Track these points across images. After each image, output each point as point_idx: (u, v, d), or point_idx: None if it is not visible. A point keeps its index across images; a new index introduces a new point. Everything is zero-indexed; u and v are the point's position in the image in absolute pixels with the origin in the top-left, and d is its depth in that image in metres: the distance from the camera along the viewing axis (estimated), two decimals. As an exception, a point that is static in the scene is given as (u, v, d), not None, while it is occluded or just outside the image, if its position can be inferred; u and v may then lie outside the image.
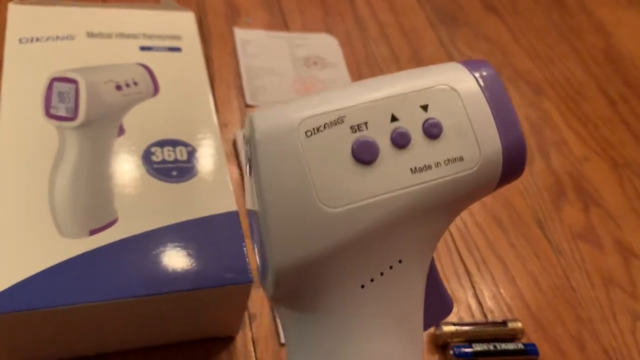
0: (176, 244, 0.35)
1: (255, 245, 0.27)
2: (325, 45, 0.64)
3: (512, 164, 0.25)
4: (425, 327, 0.27)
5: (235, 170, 0.50)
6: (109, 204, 0.36)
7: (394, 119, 0.24)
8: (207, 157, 0.39)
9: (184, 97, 0.42)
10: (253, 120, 0.23)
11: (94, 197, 0.36)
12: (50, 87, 0.39)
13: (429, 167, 0.24)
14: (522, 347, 0.43)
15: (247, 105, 0.55)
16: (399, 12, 0.71)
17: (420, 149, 0.24)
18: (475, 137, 0.24)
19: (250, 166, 0.25)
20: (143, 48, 0.44)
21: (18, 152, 0.36)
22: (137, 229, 0.35)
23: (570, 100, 0.66)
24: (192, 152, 0.39)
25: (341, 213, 0.23)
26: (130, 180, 0.37)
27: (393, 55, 0.65)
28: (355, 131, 0.23)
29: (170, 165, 0.38)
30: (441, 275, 0.48)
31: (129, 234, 0.34)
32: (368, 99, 0.24)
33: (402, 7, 0.72)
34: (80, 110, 0.38)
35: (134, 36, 0.45)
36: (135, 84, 0.41)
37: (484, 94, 0.25)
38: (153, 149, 0.39)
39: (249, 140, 0.23)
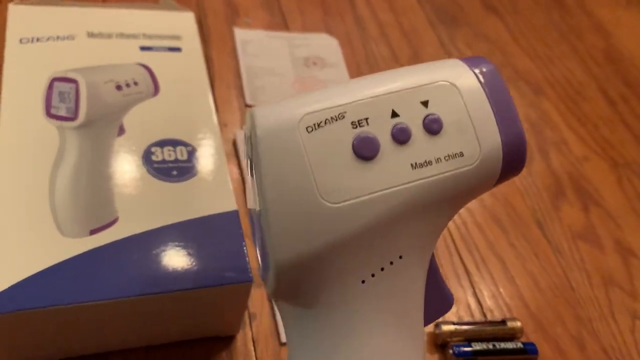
0: (176, 243, 0.35)
1: (256, 243, 0.27)
2: (325, 45, 0.64)
3: (512, 159, 0.25)
4: (426, 323, 0.27)
5: (235, 170, 0.50)
6: (109, 204, 0.36)
7: (394, 114, 0.24)
8: (207, 157, 0.39)
9: (184, 97, 0.42)
10: (254, 116, 0.23)
11: (94, 197, 0.36)
12: (50, 87, 0.39)
13: (430, 162, 0.24)
14: (522, 346, 0.43)
15: (247, 105, 0.56)
16: (398, 12, 0.72)
17: (421, 144, 0.24)
18: (475, 133, 0.24)
19: (251, 165, 0.25)
20: (143, 48, 0.44)
21: (19, 152, 0.36)
22: (138, 228, 0.35)
23: (570, 100, 0.66)
24: (192, 152, 0.39)
25: (342, 208, 0.23)
26: (131, 180, 0.37)
27: (393, 55, 0.65)
28: (356, 127, 0.23)
29: (170, 165, 0.38)
30: (441, 274, 0.48)
31: (129, 234, 0.35)
32: (369, 95, 0.24)
33: (402, 7, 0.72)
34: (81, 110, 0.38)
35: (134, 36, 0.45)
36: (136, 84, 0.41)
37: (484, 90, 0.25)
38: (153, 149, 0.39)
39: (250, 136, 0.24)
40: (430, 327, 0.43)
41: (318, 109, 0.23)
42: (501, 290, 0.47)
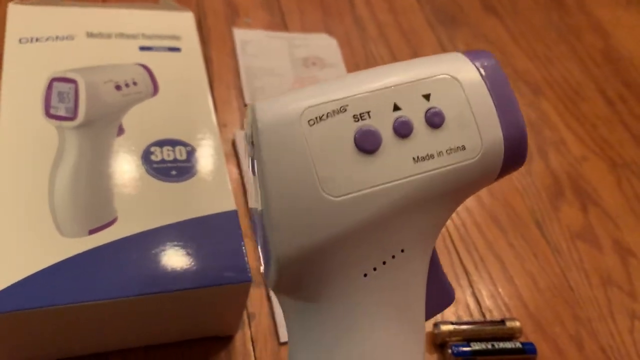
0: (175, 243, 0.35)
1: (258, 241, 0.27)
2: (324, 45, 0.64)
3: (514, 153, 0.25)
4: (428, 317, 0.27)
5: (234, 170, 0.50)
6: (108, 204, 0.36)
7: (396, 108, 0.24)
8: (206, 157, 0.39)
9: (184, 97, 0.43)
10: (255, 110, 0.23)
11: (93, 197, 0.36)
12: (50, 87, 0.39)
13: (431, 156, 0.24)
14: (520, 346, 0.43)
15: (247, 105, 0.56)
16: (398, 13, 0.72)
17: (423, 138, 0.24)
18: (477, 127, 0.24)
19: (253, 161, 0.25)
20: (142, 48, 0.44)
21: (18, 152, 0.36)
22: (137, 228, 0.35)
23: (568, 101, 0.66)
24: (191, 152, 0.39)
25: (344, 202, 0.23)
26: (130, 180, 0.37)
27: (392, 55, 0.66)
28: (358, 120, 0.23)
29: (169, 164, 0.38)
30: (440, 274, 0.48)
31: (129, 234, 0.35)
32: (370, 89, 0.24)
33: (401, 7, 0.72)
34: (80, 110, 0.38)
35: (133, 36, 0.45)
36: (135, 84, 0.41)
37: (486, 84, 0.25)
38: (152, 149, 0.39)
39: (251, 131, 0.23)
40: (429, 327, 0.44)
41: (319, 102, 0.23)
42: (500, 290, 0.48)
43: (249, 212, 0.28)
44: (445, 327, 0.42)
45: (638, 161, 0.61)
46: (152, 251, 0.34)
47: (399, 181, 0.23)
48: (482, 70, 0.25)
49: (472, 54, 0.26)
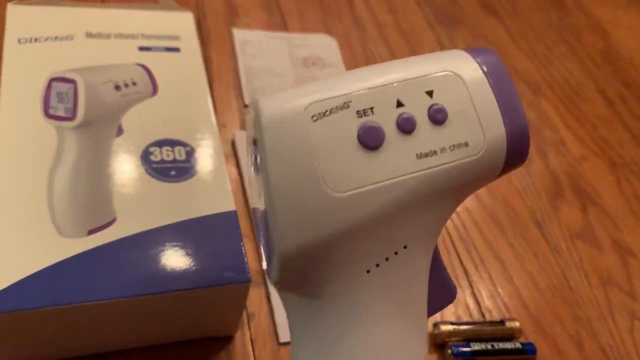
0: (175, 243, 0.35)
1: (260, 239, 0.27)
2: (324, 45, 0.64)
3: (516, 150, 0.25)
4: (430, 314, 0.27)
5: (234, 170, 0.50)
6: (107, 204, 0.36)
7: (399, 104, 0.24)
8: (205, 157, 0.39)
9: (183, 97, 0.43)
10: (259, 105, 0.23)
11: (92, 197, 0.36)
12: (49, 87, 0.39)
13: (435, 152, 0.24)
14: (520, 346, 0.43)
15: (246, 106, 0.56)
16: (397, 13, 0.72)
17: (426, 134, 0.24)
18: (479, 123, 0.24)
19: (255, 158, 0.25)
20: (142, 48, 0.44)
21: (17, 152, 0.36)
22: (136, 228, 0.35)
23: (568, 101, 0.66)
24: (190, 152, 0.39)
25: (347, 198, 0.23)
26: (129, 180, 0.37)
27: (392, 55, 0.66)
28: (361, 116, 0.23)
29: (169, 165, 0.38)
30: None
31: (128, 234, 0.35)
32: (373, 85, 0.24)
33: (401, 7, 0.72)
34: (79, 110, 0.38)
35: (132, 36, 0.45)
36: (134, 84, 0.41)
37: (488, 81, 0.25)
38: (152, 149, 0.39)
39: (254, 127, 0.23)
40: (428, 327, 0.44)
41: (323, 98, 0.23)
42: (500, 290, 0.47)
43: (252, 212, 0.28)
44: (444, 328, 0.42)
45: (638, 161, 0.61)
46: (151, 251, 0.34)
47: (402, 177, 0.23)
48: (484, 67, 0.25)
49: (475, 51, 0.26)
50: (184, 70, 0.44)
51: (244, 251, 0.36)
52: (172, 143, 0.40)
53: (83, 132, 0.38)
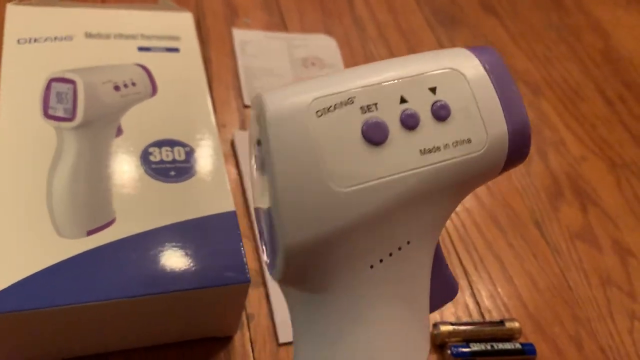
0: (174, 243, 0.35)
1: (262, 236, 0.27)
2: (323, 46, 0.64)
3: (518, 147, 0.25)
4: (432, 310, 0.27)
5: (233, 171, 0.50)
6: (107, 204, 0.36)
7: (403, 100, 0.24)
8: (205, 158, 0.39)
9: (182, 97, 0.43)
10: (263, 100, 0.23)
11: (91, 198, 0.36)
12: (48, 87, 0.39)
13: (438, 148, 0.24)
14: (520, 346, 0.43)
15: (246, 106, 0.56)
16: (397, 13, 0.72)
17: (429, 130, 0.24)
18: (482, 120, 0.25)
19: (257, 162, 0.25)
20: (141, 49, 0.44)
21: (16, 153, 0.36)
22: (135, 228, 0.35)
23: (568, 101, 0.66)
24: (190, 153, 0.39)
25: (351, 193, 0.23)
26: (129, 181, 0.37)
27: (391, 56, 0.66)
28: (365, 112, 0.23)
29: (168, 165, 0.38)
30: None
31: (127, 234, 0.35)
32: (377, 81, 0.24)
33: (400, 7, 0.72)
34: (79, 110, 0.38)
35: (132, 37, 0.45)
36: (134, 84, 0.41)
37: (490, 78, 0.25)
38: (151, 149, 0.39)
39: (257, 123, 0.23)
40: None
41: (327, 94, 0.23)
42: (499, 290, 0.47)
43: (254, 212, 0.28)
44: (444, 328, 0.42)
45: (637, 161, 0.61)
46: (151, 252, 0.34)
47: (406, 173, 0.23)
48: (486, 65, 0.25)
49: (476, 49, 0.26)
50: (183, 71, 0.44)
51: (243, 251, 0.36)
52: (172, 143, 0.40)
53: (82, 132, 0.38)
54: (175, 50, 0.45)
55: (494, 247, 0.50)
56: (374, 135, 0.23)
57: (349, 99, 0.23)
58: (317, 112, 0.23)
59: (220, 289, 0.34)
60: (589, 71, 0.71)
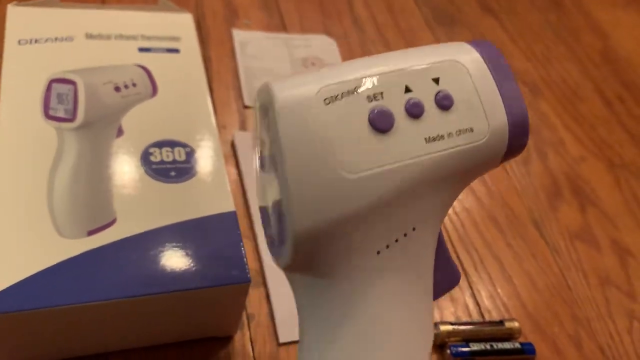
0: (174, 244, 0.35)
1: (267, 231, 0.27)
2: (323, 46, 0.64)
3: (517, 137, 0.26)
4: (435, 297, 0.28)
5: (234, 171, 0.50)
6: (107, 205, 0.36)
7: (407, 90, 0.24)
8: (205, 158, 0.40)
9: (183, 98, 0.43)
10: (272, 88, 0.23)
11: (92, 198, 0.36)
12: (49, 88, 0.39)
13: (442, 137, 0.24)
14: (519, 346, 0.43)
15: (246, 107, 0.56)
16: (396, 13, 0.72)
17: (434, 119, 0.24)
18: (483, 110, 0.25)
19: (261, 157, 0.26)
20: (141, 49, 0.45)
21: (17, 153, 0.36)
22: (136, 229, 0.35)
23: (567, 101, 0.66)
24: (190, 153, 0.40)
25: (359, 179, 0.23)
26: (129, 181, 0.37)
27: (391, 56, 0.66)
28: (372, 100, 0.24)
29: (168, 165, 0.38)
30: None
31: (128, 234, 0.35)
32: (382, 71, 0.24)
33: (400, 8, 0.73)
34: (79, 111, 0.38)
35: (132, 37, 0.45)
36: (134, 85, 0.41)
37: (490, 70, 0.26)
38: (151, 150, 0.39)
39: (266, 109, 0.24)
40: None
41: (334, 82, 0.24)
42: (499, 290, 0.48)
43: (260, 210, 0.28)
44: (444, 328, 0.43)
45: (636, 161, 0.61)
46: (151, 252, 0.34)
47: (412, 160, 0.24)
48: (486, 58, 0.26)
49: (476, 43, 0.27)
50: (183, 71, 0.44)
51: (243, 251, 0.36)
52: (172, 144, 0.40)
53: (83, 133, 0.38)
54: (176, 51, 0.46)
55: (493, 248, 0.51)
56: (381, 123, 0.24)
57: (355, 88, 0.24)
58: (325, 99, 0.23)
59: (220, 288, 0.34)
60: (587, 71, 0.71)
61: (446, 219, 0.52)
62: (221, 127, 0.53)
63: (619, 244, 0.53)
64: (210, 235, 0.36)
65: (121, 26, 0.46)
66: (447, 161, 0.25)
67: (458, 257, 0.49)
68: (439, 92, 0.25)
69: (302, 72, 0.24)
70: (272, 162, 0.24)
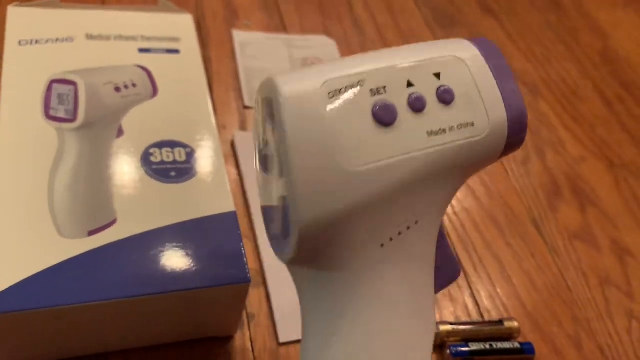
0: (175, 244, 0.35)
1: (269, 227, 0.27)
2: (323, 47, 0.64)
3: (516, 132, 0.26)
4: (436, 290, 0.28)
5: (234, 171, 0.50)
6: (108, 205, 0.36)
7: (409, 84, 0.25)
8: (205, 158, 0.40)
9: (183, 98, 0.43)
10: (276, 82, 0.23)
11: (93, 198, 0.36)
12: (49, 89, 0.39)
13: (444, 131, 0.25)
14: (519, 346, 0.43)
15: (246, 107, 0.56)
16: (396, 14, 0.72)
17: (435, 113, 0.25)
18: (483, 105, 0.26)
19: (262, 158, 0.26)
20: (142, 50, 0.45)
21: (18, 154, 0.37)
22: (136, 229, 0.35)
23: (566, 101, 0.67)
24: (190, 153, 0.40)
25: (364, 172, 0.23)
26: (129, 181, 0.37)
27: (390, 56, 0.66)
28: (375, 94, 0.24)
29: (168, 166, 0.39)
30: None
31: (128, 235, 0.35)
32: (385, 66, 0.25)
33: (399, 9, 0.73)
34: (80, 112, 0.38)
35: (132, 38, 0.45)
36: (134, 85, 0.41)
37: (489, 66, 0.26)
38: (152, 150, 0.39)
39: (270, 102, 0.24)
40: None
41: (338, 76, 0.24)
42: (498, 290, 0.48)
43: (262, 209, 0.28)
44: (443, 328, 0.43)
45: (636, 161, 0.61)
46: (151, 252, 0.34)
47: (415, 153, 0.24)
48: (485, 55, 0.26)
49: (475, 40, 0.27)
50: (183, 72, 0.44)
51: (243, 251, 0.36)
52: (172, 144, 0.40)
53: (84, 133, 0.38)
54: (176, 51, 0.46)
55: (492, 247, 0.51)
56: (384, 117, 0.24)
57: (359, 82, 0.24)
58: (329, 93, 0.23)
59: (220, 288, 0.35)
60: (587, 72, 0.71)
61: (446, 219, 0.52)
62: (221, 127, 0.53)
63: (619, 244, 0.53)
64: (210, 235, 0.36)
65: (121, 27, 0.46)
66: (449, 155, 0.25)
67: (458, 257, 0.49)
68: (440, 87, 0.25)
69: (304, 67, 0.25)
70: (275, 156, 0.24)
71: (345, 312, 0.25)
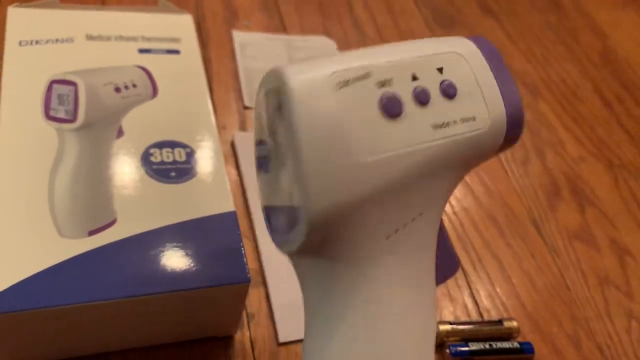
0: (175, 244, 0.35)
1: (270, 221, 0.28)
2: (323, 47, 0.64)
3: (514, 127, 0.27)
4: (437, 283, 0.28)
5: (234, 172, 0.50)
6: (108, 205, 0.36)
7: (414, 78, 0.25)
8: (205, 159, 0.40)
9: (183, 99, 0.43)
10: (284, 72, 0.23)
11: (93, 198, 0.36)
12: (49, 89, 0.39)
13: (448, 124, 0.25)
14: (518, 345, 0.43)
15: (246, 107, 0.56)
16: (396, 15, 0.72)
17: (439, 107, 0.25)
18: (484, 100, 0.26)
19: (264, 159, 0.26)
20: (142, 50, 0.45)
21: (18, 154, 0.37)
22: (136, 229, 0.35)
23: (566, 102, 0.67)
24: (190, 154, 0.40)
25: (371, 163, 0.24)
26: (129, 182, 0.37)
27: (390, 57, 0.66)
28: (381, 87, 0.24)
29: (169, 166, 0.39)
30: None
31: (128, 234, 0.35)
32: (390, 59, 0.25)
33: (399, 9, 0.73)
34: (80, 112, 0.38)
35: (132, 39, 0.45)
36: (134, 86, 0.41)
37: (488, 63, 0.27)
38: (152, 151, 0.39)
39: (276, 93, 0.24)
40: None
41: (345, 68, 0.24)
42: (498, 290, 0.48)
43: (263, 209, 0.29)
44: (443, 327, 0.43)
45: (635, 162, 0.61)
46: (151, 252, 0.34)
47: (421, 146, 0.25)
48: (484, 52, 0.27)
49: (473, 38, 0.28)
50: (183, 72, 0.45)
51: (243, 251, 0.36)
52: (172, 144, 0.40)
53: (84, 134, 0.38)
54: (176, 52, 0.46)
55: (492, 247, 0.51)
56: (391, 109, 0.24)
57: (366, 74, 0.24)
58: (337, 83, 0.24)
59: (220, 288, 0.35)
60: (587, 72, 0.71)
61: (445, 219, 0.52)
62: (221, 127, 0.53)
63: (618, 244, 0.53)
64: (210, 235, 0.36)
65: (121, 27, 0.46)
66: (452, 148, 0.25)
67: (457, 255, 0.49)
68: (443, 81, 0.26)
69: (310, 59, 0.25)
70: (283, 146, 0.24)
71: (349, 303, 0.25)
